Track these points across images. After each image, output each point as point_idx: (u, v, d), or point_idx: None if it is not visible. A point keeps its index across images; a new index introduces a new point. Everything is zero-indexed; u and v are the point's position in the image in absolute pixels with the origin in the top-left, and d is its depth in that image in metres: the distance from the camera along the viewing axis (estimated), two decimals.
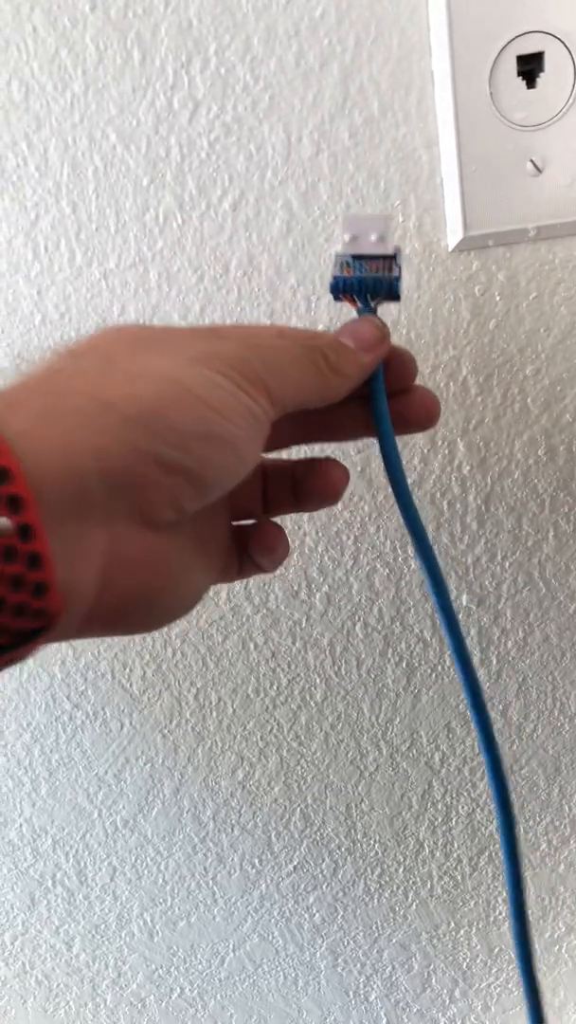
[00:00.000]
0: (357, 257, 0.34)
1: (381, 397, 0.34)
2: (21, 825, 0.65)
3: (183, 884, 0.66)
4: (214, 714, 0.60)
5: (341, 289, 0.34)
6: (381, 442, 0.34)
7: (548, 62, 0.43)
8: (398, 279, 0.34)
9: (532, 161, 0.44)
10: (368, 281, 0.34)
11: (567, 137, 0.44)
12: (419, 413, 0.36)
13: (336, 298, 0.35)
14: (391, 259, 0.34)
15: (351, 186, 0.48)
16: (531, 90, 0.43)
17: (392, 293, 0.34)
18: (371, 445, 0.53)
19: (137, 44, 0.47)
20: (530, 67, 0.43)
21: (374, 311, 0.35)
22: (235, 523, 0.37)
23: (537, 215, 0.46)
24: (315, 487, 0.36)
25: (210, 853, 0.65)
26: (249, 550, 0.36)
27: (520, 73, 0.43)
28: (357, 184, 0.48)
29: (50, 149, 0.48)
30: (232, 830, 0.64)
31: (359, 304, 0.35)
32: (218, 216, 0.49)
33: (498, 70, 0.43)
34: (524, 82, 0.43)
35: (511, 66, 0.43)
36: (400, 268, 0.35)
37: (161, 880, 0.66)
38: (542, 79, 0.43)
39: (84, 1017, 0.73)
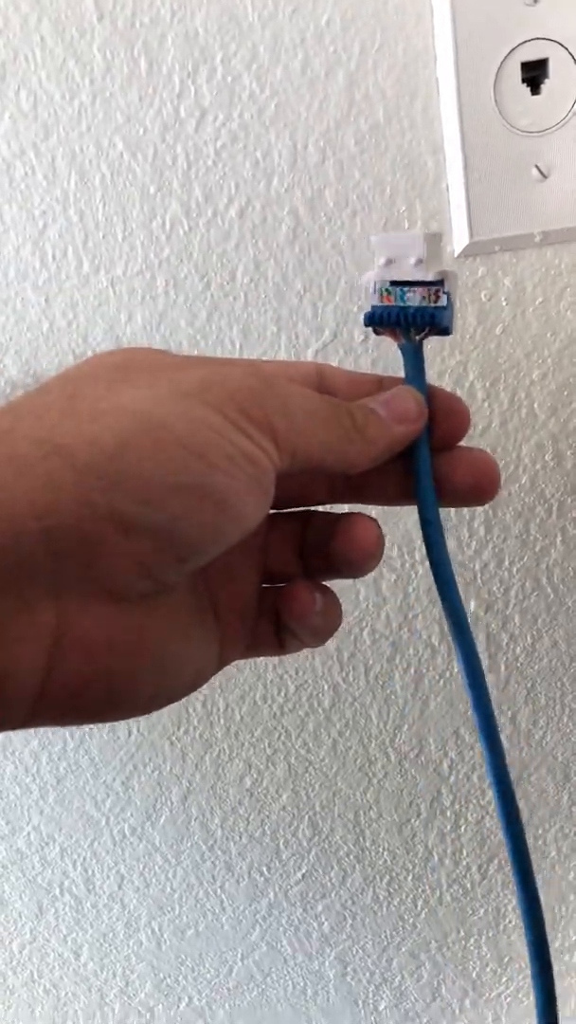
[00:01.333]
0: (397, 283, 0.29)
1: (425, 464, 0.28)
2: (29, 833, 0.65)
3: (191, 892, 0.66)
4: (222, 721, 0.60)
5: (376, 321, 0.29)
6: (421, 515, 0.29)
7: (552, 68, 0.43)
8: (445, 309, 0.29)
9: (537, 167, 0.44)
10: (410, 312, 0.29)
11: (572, 142, 0.44)
12: (465, 480, 0.29)
13: (375, 332, 0.30)
14: (438, 286, 0.29)
15: (357, 192, 0.48)
16: (535, 96, 0.43)
17: (437, 326, 0.29)
18: None
19: (144, 53, 0.47)
20: (534, 74, 0.43)
21: (419, 346, 0.29)
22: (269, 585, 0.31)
23: (543, 220, 0.46)
24: (336, 547, 0.28)
25: (218, 861, 0.65)
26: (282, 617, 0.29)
27: (524, 80, 0.43)
28: (363, 191, 0.48)
29: (58, 158, 0.49)
30: (240, 838, 0.64)
31: (401, 339, 0.29)
32: (224, 223, 0.49)
33: (502, 77, 0.43)
34: (528, 88, 0.43)
35: (515, 73, 0.43)
36: (450, 296, 0.29)
37: (169, 888, 0.66)
38: (546, 85, 0.43)
39: None
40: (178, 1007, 0.71)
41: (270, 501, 0.25)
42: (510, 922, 0.66)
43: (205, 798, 0.63)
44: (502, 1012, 0.71)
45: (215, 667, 0.28)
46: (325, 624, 0.29)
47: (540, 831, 0.63)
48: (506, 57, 0.43)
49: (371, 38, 0.46)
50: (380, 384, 0.29)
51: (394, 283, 0.29)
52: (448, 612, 0.29)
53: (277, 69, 0.47)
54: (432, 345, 0.50)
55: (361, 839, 0.64)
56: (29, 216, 0.50)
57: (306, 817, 0.63)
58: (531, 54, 0.43)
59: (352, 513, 0.29)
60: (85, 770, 0.62)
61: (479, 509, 0.53)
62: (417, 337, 0.29)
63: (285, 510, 0.31)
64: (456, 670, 0.58)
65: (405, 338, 0.29)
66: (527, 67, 0.43)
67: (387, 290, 0.29)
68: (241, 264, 0.50)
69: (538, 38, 0.42)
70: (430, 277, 0.28)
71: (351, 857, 0.64)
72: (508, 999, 0.70)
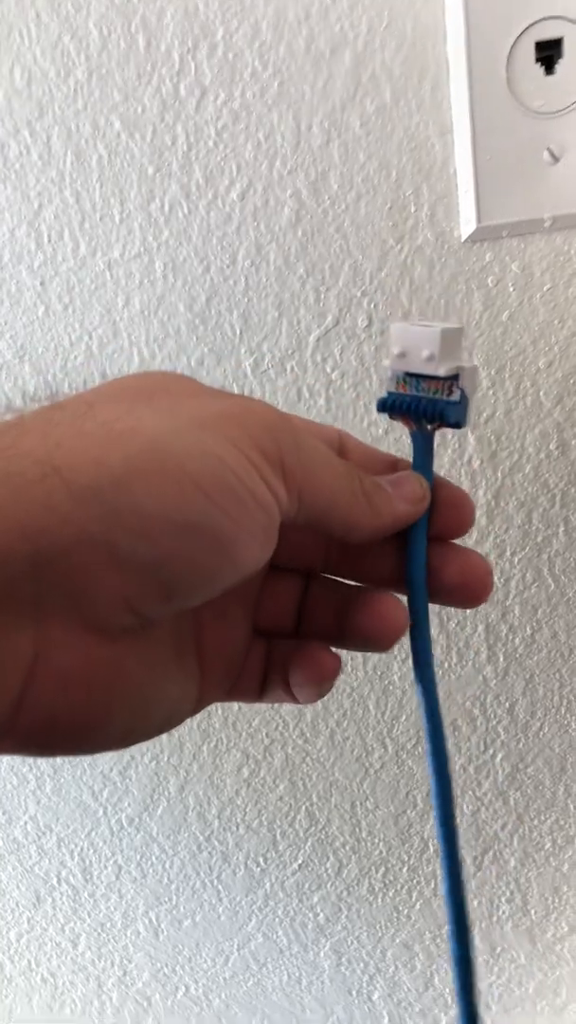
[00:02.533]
0: (412, 375, 0.29)
1: (419, 550, 0.28)
2: (26, 823, 0.64)
3: (188, 883, 0.66)
4: (219, 711, 0.60)
5: (388, 408, 0.29)
6: (410, 605, 0.28)
7: (567, 48, 0.42)
8: (458, 404, 0.29)
9: (549, 149, 0.43)
10: (423, 403, 0.29)
11: None
12: (453, 578, 0.28)
13: (390, 416, 0.30)
14: (452, 381, 0.29)
15: (362, 175, 0.47)
16: (549, 76, 0.42)
17: (447, 421, 0.29)
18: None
19: (142, 29, 0.46)
20: (549, 53, 0.42)
21: (430, 436, 0.29)
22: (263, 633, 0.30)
23: (553, 205, 0.45)
24: (361, 623, 0.27)
25: (215, 851, 0.64)
26: (289, 675, 0.28)
27: (538, 59, 0.42)
28: (368, 173, 0.47)
29: (53, 137, 0.47)
30: (237, 828, 0.64)
31: (413, 426, 0.29)
32: (225, 205, 0.48)
33: (515, 56, 0.42)
34: (542, 68, 0.42)
35: (529, 52, 0.42)
36: (464, 391, 0.29)
37: (166, 879, 0.66)
38: (561, 65, 0.42)
39: (89, 1015, 0.73)
40: (175, 996, 0.71)
41: (272, 548, 0.24)
42: (503, 913, 0.66)
43: (202, 788, 0.62)
44: (493, 1002, 0.71)
45: (192, 709, 0.26)
46: (327, 688, 0.29)
47: (536, 823, 0.62)
48: (520, 36, 0.42)
49: (379, 15, 0.44)
50: (395, 466, 0.29)
51: (409, 374, 0.29)
52: (423, 705, 0.30)
53: (280, 46, 0.45)
54: None
55: (357, 830, 0.63)
56: (24, 197, 0.49)
57: (303, 807, 0.63)
58: (546, 33, 0.42)
59: (381, 592, 0.28)
60: (82, 760, 0.62)
61: (481, 499, 0.53)
62: (428, 427, 0.29)
63: (280, 567, 0.30)
64: (455, 660, 0.57)
65: (417, 426, 0.29)
66: (541, 46, 0.42)
67: (403, 379, 0.29)
68: (242, 247, 0.49)
69: (553, 16, 0.41)
70: (442, 373, 0.28)
71: (347, 848, 0.64)
72: (500, 989, 0.70)
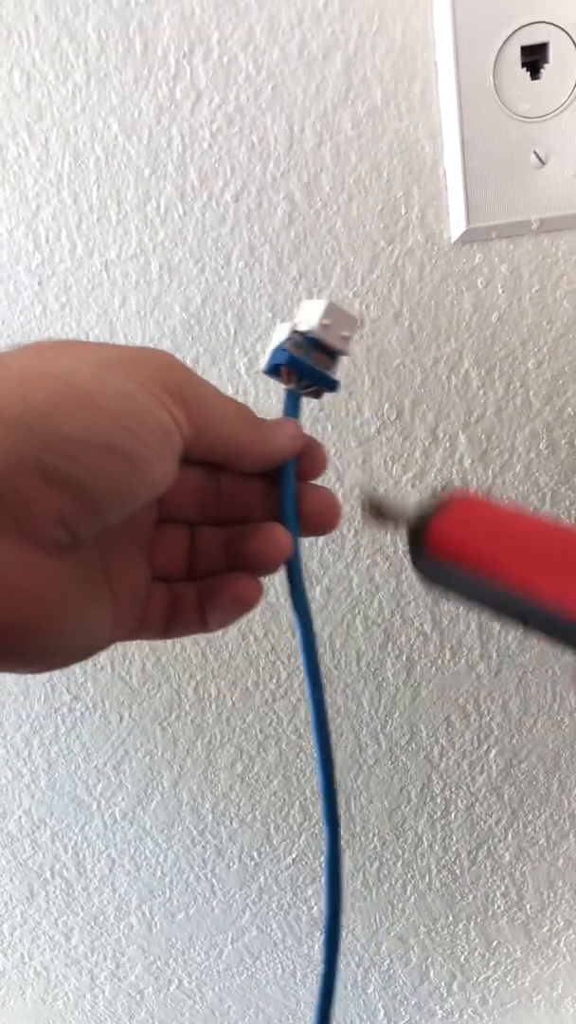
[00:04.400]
0: (313, 342, 0.34)
1: (290, 484, 0.33)
2: (20, 816, 0.65)
3: (182, 876, 0.66)
4: (213, 707, 0.60)
5: (285, 361, 0.33)
6: (283, 517, 0.33)
7: (552, 53, 0.42)
8: (334, 382, 0.34)
9: (536, 153, 0.44)
10: (316, 371, 0.34)
11: (571, 128, 0.44)
12: (308, 509, 0.33)
13: (272, 368, 0.34)
14: (337, 359, 0.34)
15: (354, 177, 0.48)
16: (535, 81, 0.43)
17: (325, 387, 0.34)
18: (371, 440, 0.53)
19: (139, 33, 0.46)
20: (534, 58, 0.43)
21: (300, 397, 0.34)
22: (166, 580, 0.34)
23: (541, 207, 0.45)
24: (254, 549, 0.32)
25: (209, 846, 0.65)
26: (211, 603, 0.33)
27: (524, 64, 0.43)
28: (360, 175, 0.48)
29: (51, 139, 0.48)
30: (231, 823, 0.64)
31: (292, 384, 0.34)
32: (220, 207, 0.49)
33: (502, 61, 0.43)
34: (528, 73, 0.43)
35: (515, 57, 0.43)
36: (338, 374, 0.35)
37: (160, 872, 0.66)
38: (547, 70, 0.43)
39: (82, 1008, 0.73)
40: (168, 989, 0.72)
41: (176, 469, 0.27)
42: (499, 907, 0.67)
43: (196, 783, 0.63)
44: (489, 995, 0.71)
45: (107, 639, 0.30)
46: (245, 607, 0.33)
47: (530, 818, 0.63)
48: (506, 41, 0.42)
49: (369, 20, 0.45)
50: None
51: (309, 339, 0.33)
52: (296, 611, 0.34)
53: (274, 50, 0.46)
54: (427, 332, 0.50)
55: (352, 825, 0.64)
56: (22, 198, 0.49)
57: (297, 802, 0.63)
58: (531, 38, 0.42)
59: (267, 523, 0.33)
60: (76, 755, 0.62)
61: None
62: (303, 390, 0.34)
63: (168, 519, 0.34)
64: (448, 658, 0.58)
65: (296, 386, 0.34)
66: (527, 51, 0.43)
67: (299, 343, 0.33)
68: (236, 249, 0.49)
69: (539, 21, 0.42)
70: (348, 352, 0.34)
71: (341, 842, 0.65)
72: (496, 982, 0.71)
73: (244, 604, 0.32)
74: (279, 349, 0.33)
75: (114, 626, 0.30)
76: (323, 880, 0.35)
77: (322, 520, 0.33)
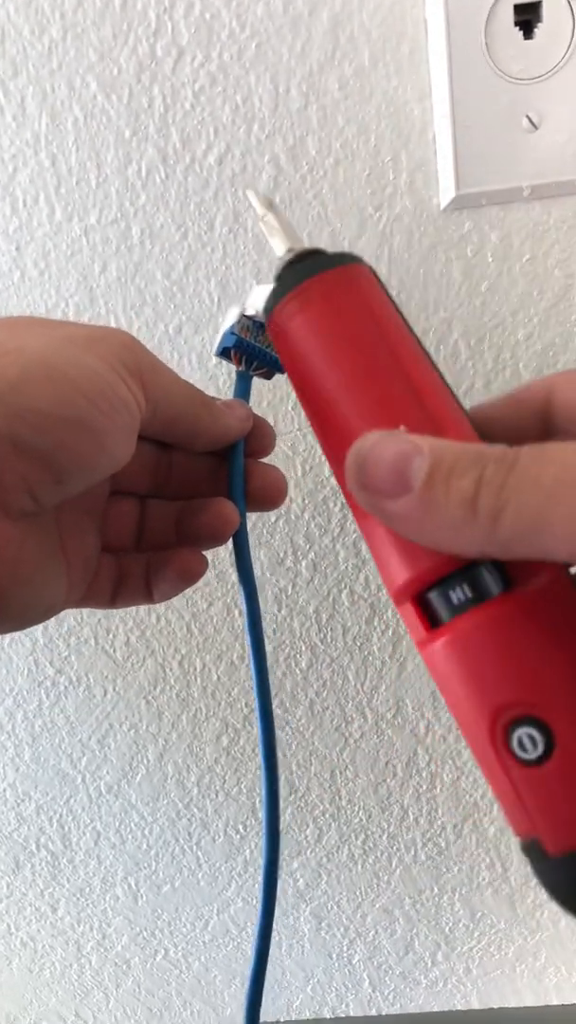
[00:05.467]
0: (261, 326, 0.35)
1: (239, 462, 0.35)
2: (5, 790, 0.65)
3: (167, 849, 0.66)
4: (199, 680, 0.60)
5: (234, 345, 0.35)
6: (231, 492, 0.35)
7: (546, 11, 0.41)
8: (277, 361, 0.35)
9: (528, 116, 0.42)
10: (264, 353, 0.35)
11: (564, 91, 0.42)
12: (257, 485, 0.35)
13: (222, 351, 0.36)
14: None
15: (340, 141, 0.46)
16: (528, 41, 0.41)
17: (275, 369, 0.35)
18: None
19: None
20: (527, 17, 0.41)
21: (250, 378, 0.36)
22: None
23: (532, 173, 0.44)
24: (202, 523, 0.34)
25: (194, 819, 0.65)
26: (157, 575, 0.35)
27: (517, 23, 0.41)
28: (347, 139, 0.46)
29: (27, 98, 0.47)
30: (216, 796, 0.64)
31: (242, 367, 0.35)
32: (203, 170, 0.47)
33: (494, 19, 0.41)
34: (521, 32, 0.41)
35: (508, 15, 0.41)
36: None
37: (145, 845, 0.66)
38: (540, 29, 0.41)
39: (69, 978, 0.74)
40: (155, 959, 0.72)
41: (134, 444, 0.29)
42: (483, 880, 0.67)
43: (182, 757, 0.63)
44: (473, 965, 0.72)
45: (61, 604, 0.31)
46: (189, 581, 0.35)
47: None
48: None
49: None
50: None
51: (257, 323, 0.35)
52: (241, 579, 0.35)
53: (258, 6, 0.44)
54: (416, 302, 0.49)
55: (337, 798, 0.64)
56: None
57: (283, 776, 0.63)
58: None
59: (215, 498, 0.34)
60: (61, 728, 0.62)
61: None
62: (253, 372, 0.35)
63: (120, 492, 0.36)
64: None
65: (246, 367, 0.35)
66: (520, 9, 0.41)
67: (249, 327, 0.35)
68: (220, 214, 0.48)
69: None
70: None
71: (327, 816, 0.65)
72: (480, 953, 0.71)
73: (189, 578, 0.34)
74: (228, 332, 0.35)
75: (67, 592, 0.31)
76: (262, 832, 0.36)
77: (268, 496, 0.35)
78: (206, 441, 0.33)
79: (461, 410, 0.26)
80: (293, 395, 0.44)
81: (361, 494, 0.23)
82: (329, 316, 0.27)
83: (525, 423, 0.28)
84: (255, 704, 0.35)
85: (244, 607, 0.35)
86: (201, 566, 0.34)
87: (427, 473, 0.22)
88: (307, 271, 0.28)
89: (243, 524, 0.34)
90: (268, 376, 0.36)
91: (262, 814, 0.35)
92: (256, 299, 0.34)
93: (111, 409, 0.27)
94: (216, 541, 0.34)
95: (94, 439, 0.27)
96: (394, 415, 0.25)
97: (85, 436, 0.26)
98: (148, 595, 0.35)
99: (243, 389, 0.36)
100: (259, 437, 0.35)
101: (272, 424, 0.36)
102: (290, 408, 0.52)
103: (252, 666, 0.35)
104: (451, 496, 0.21)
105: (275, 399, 0.52)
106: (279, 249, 0.31)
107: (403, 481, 0.22)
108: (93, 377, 0.27)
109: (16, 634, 0.59)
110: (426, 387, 0.25)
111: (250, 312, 0.35)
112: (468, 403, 0.51)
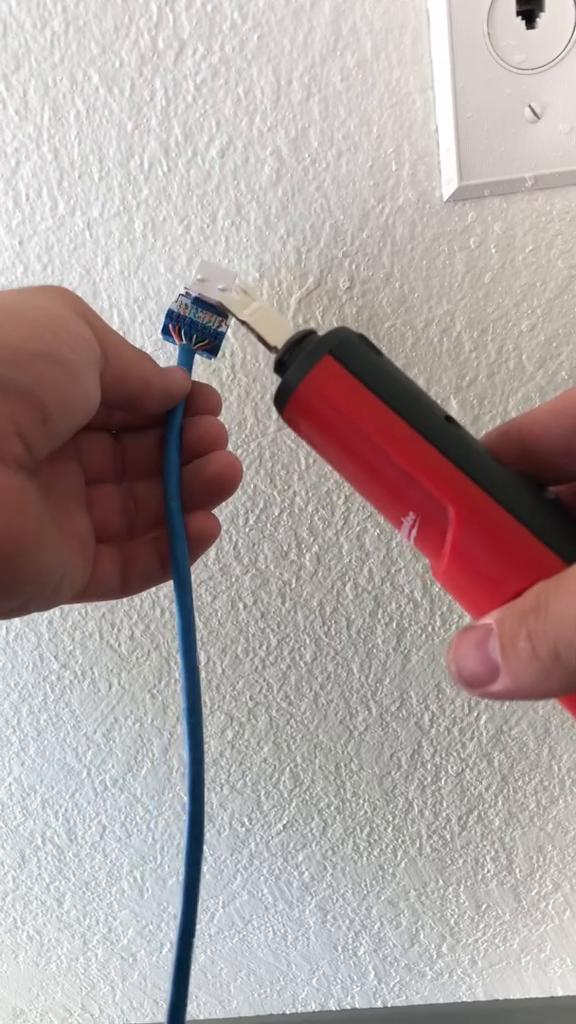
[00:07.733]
0: (198, 301, 0.38)
1: (175, 435, 0.36)
2: (11, 784, 0.65)
3: (172, 842, 0.67)
4: (203, 674, 0.60)
5: (174, 320, 0.37)
6: (165, 467, 0.36)
7: (548, 1, 0.41)
8: (223, 335, 0.38)
9: (531, 107, 0.42)
10: (199, 325, 0.37)
11: (567, 81, 0.42)
12: (215, 469, 0.36)
13: (164, 329, 0.38)
14: (223, 317, 0.38)
15: (343, 132, 0.46)
16: (530, 31, 0.41)
17: (214, 344, 0.38)
18: None
19: None
20: (530, 7, 0.41)
21: (193, 355, 0.38)
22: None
23: (535, 163, 0.44)
24: (212, 476, 0.35)
25: None
26: (205, 477, 0.36)
27: (519, 12, 0.41)
28: (349, 130, 0.46)
29: (30, 91, 0.46)
30: (221, 789, 0.64)
31: (183, 341, 0.38)
32: (205, 163, 0.47)
33: (496, 9, 0.41)
34: (523, 22, 0.41)
35: (510, 5, 0.41)
36: (228, 328, 0.38)
37: (151, 838, 0.66)
38: (542, 19, 0.41)
39: (75, 971, 0.74)
40: (160, 952, 0.72)
41: (99, 384, 0.31)
42: (488, 871, 0.67)
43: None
44: (479, 957, 0.72)
45: (70, 582, 0.31)
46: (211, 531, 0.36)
47: (520, 783, 0.63)
48: None
49: None
50: None
51: (193, 299, 0.38)
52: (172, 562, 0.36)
53: None
54: (419, 293, 0.49)
55: (342, 791, 0.64)
56: (1, 154, 0.48)
57: (287, 769, 0.63)
58: None
59: (218, 451, 0.36)
60: (66, 722, 0.62)
61: None
62: (194, 347, 0.38)
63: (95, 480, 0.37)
64: (438, 625, 0.57)
65: (187, 341, 0.38)
66: None
67: (187, 304, 0.38)
68: (222, 207, 0.48)
69: None
70: (219, 301, 0.38)
71: (332, 808, 0.65)
72: (485, 944, 0.71)
73: (206, 538, 0.36)
74: (168, 310, 0.38)
75: (73, 566, 0.31)
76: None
77: (225, 480, 0.36)
78: (157, 395, 0.34)
79: (468, 455, 0.29)
80: None
81: (472, 692, 0.26)
82: (314, 433, 0.31)
83: (568, 431, 0.29)
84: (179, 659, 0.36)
85: (172, 563, 0.35)
86: (216, 526, 0.36)
87: (500, 651, 0.24)
88: (287, 385, 0.31)
89: (173, 485, 0.35)
90: (214, 350, 0.38)
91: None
92: (203, 271, 0.38)
93: (75, 342, 0.29)
94: (224, 493, 0.36)
95: (68, 372, 0.28)
96: (400, 506, 0.29)
97: (59, 368, 0.28)
98: (162, 572, 0.36)
99: (185, 362, 0.37)
100: (203, 396, 0.37)
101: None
102: None
103: (180, 630, 0.35)
104: (521, 660, 0.24)
105: None
106: (268, 342, 0.35)
107: (491, 667, 0.25)
108: (51, 315, 0.29)
109: (21, 628, 0.59)
110: (418, 467, 0.29)
111: (198, 277, 0.37)
112: (472, 395, 0.51)
